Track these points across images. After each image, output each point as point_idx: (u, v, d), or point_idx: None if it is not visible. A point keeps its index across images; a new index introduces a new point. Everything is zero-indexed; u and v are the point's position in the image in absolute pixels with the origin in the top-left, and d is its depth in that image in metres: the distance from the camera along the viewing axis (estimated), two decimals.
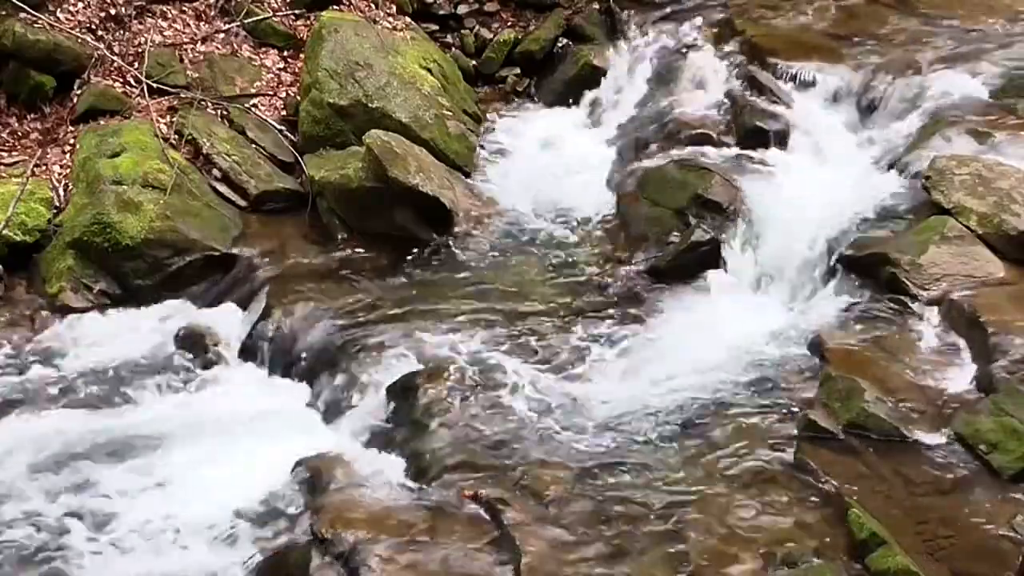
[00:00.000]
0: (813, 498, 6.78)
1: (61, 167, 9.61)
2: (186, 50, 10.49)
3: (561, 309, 8.65)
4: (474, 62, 11.40)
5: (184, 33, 10.63)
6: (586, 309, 8.66)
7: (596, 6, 11.50)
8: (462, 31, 11.51)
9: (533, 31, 11.47)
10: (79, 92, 10.02)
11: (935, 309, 7.96)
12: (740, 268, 8.84)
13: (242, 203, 9.54)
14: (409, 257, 9.22)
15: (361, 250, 9.28)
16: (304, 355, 8.41)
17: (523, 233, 9.53)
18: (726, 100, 10.07)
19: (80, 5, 10.35)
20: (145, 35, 10.39)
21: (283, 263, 9.13)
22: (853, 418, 7.20)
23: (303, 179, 9.72)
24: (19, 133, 9.90)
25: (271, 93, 10.45)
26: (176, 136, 9.71)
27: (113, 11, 10.41)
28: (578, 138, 10.57)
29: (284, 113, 10.32)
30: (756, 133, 9.65)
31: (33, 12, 9.91)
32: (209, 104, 10.11)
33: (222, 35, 10.68)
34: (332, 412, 7.98)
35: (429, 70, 10.50)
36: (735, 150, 9.63)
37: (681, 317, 8.50)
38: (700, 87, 10.39)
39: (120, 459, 7.57)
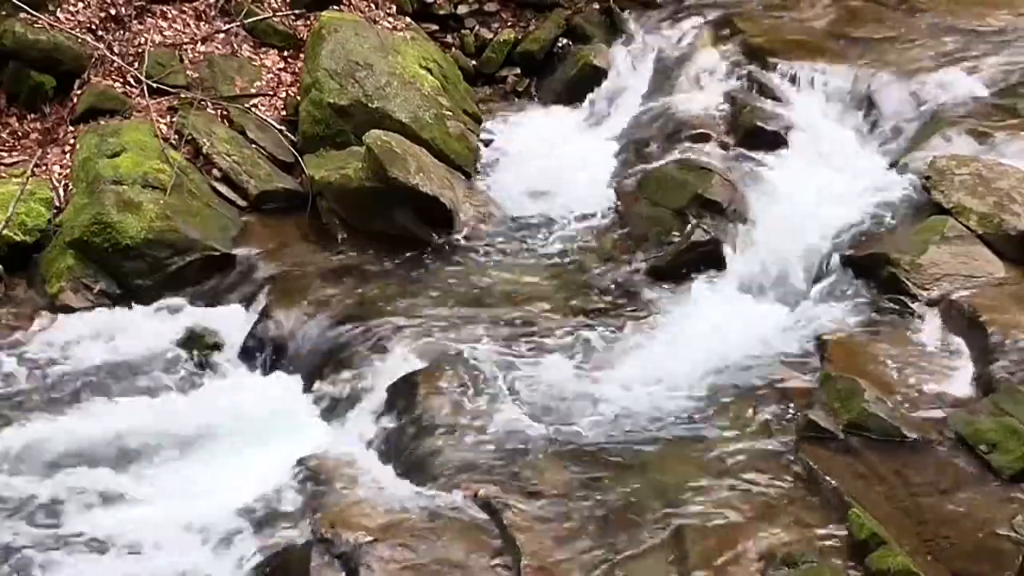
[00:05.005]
0: (813, 498, 6.78)
1: (61, 167, 9.61)
2: (186, 50, 10.50)
3: (561, 309, 8.65)
4: (474, 62, 11.41)
5: (184, 33, 10.64)
6: (586, 309, 8.66)
7: (596, 6, 11.51)
8: (462, 31, 11.51)
9: (533, 31, 11.47)
10: (79, 92, 10.02)
11: (935, 309, 7.96)
12: (740, 268, 8.83)
13: (242, 203, 9.53)
14: (409, 257, 9.22)
15: (361, 250, 9.28)
16: (304, 355, 8.41)
17: (523, 233, 9.53)
18: (726, 100, 10.07)
19: (80, 5, 10.35)
20: (145, 35, 10.39)
21: (283, 263, 9.12)
22: (853, 418, 7.20)
23: (303, 179, 9.72)
24: (19, 133, 9.90)
25: (271, 93, 10.45)
26: (176, 136, 9.70)
27: (113, 11, 10.41)
28: (578, 138, 10.57)
29: (284, 113, 10.32)
30: (756, 133, 9.65)
31: (33, 12, 9.91)
32: (209, 104, 10.11)
33: (222, 35, 10.68)
34: (332, 412, 7.98)
35: (429, 70, 10.50)
36: (735, 150, 9.63)
37: (681, 317, 8.50)
38: (700, 87, 10.39)
39: (119, 459, 7.57)
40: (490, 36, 11.48)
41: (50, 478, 7.38)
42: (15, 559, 6.81)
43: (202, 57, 10.50)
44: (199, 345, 8.53)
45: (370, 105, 9.88)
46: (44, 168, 9.59)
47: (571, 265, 9.17)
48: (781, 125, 9.67)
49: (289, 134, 10.04)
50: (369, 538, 6.63)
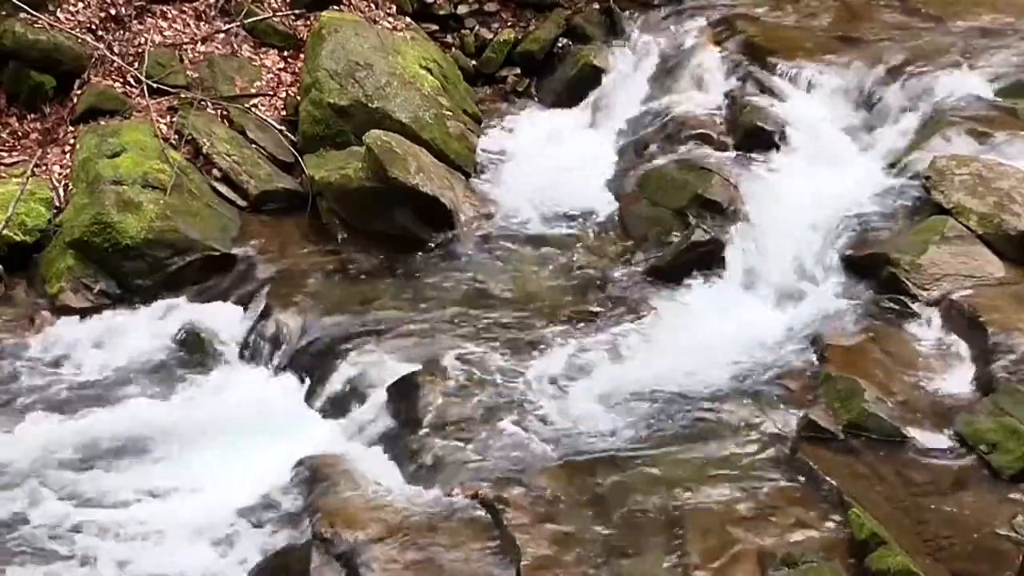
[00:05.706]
0: (813, 498, 6.79)
1: (61, 167, 9.61)
2: (186, 50, 10.50)
3: (561, 309, 8.65)
4: (474, 62, 11.40)
5: (184, 33, 10.64)
6: (586, 309, 8.66)
7: (596, 6, 11.51)
8: (462, 31, 11.51)
9: (533, 31, 11.47)
10: (79, 92, 10.02)
11: (935, 309, 7.97)
12: (740, 268, 8.83)
13: (242, 203, 9.54)
14: (409, 257, 9.21)
15: (361, 250, 9.28)
16: (304, 355, 8.40)
17: (523, 233, 9.53)
18: (726, 100, 10.08)
19: (80, 5, 10.35)
20: (145, 35, 10.40)
21: (283, 263, 9.13)
22: (853, 418, 7.20)
23: (303, 179, 9.72)
24: (19, 133, 9.90)
25: (271, 93, 10.45)
26: (176, 136, 9.71)
27: (113, 11, 10.42)
28: (578, 138, 10.57)
29: (284, 113, 10.32)
30: (756, 133, 9.65)
31: (33, 12, 9.91)
32: (209, 104, 10.11)
33: (222, 35, 10.68)
34: (332, 412, 7.97)
35: (429, 70, 10.50)
36: (735, 150, 9.63)
37: (681, 317, 8.50)
38: (700, 87, 10.39)
39: (120, 459, 7.57)
40: (490, 36, 11.48)
41: (50, 477, 7.38)
42: (13, 559, 6.81)
43: (202, 57, 10.50)
44: (199, 345, 8.53)
45: (370, 105, 9.89)
46: (44, 168, 9.59)
47: (571, 265, 9.17)
48: (781, 125, 9.66)
49: (289, 134, 10.04)
50: (369, 538, 6.63)
